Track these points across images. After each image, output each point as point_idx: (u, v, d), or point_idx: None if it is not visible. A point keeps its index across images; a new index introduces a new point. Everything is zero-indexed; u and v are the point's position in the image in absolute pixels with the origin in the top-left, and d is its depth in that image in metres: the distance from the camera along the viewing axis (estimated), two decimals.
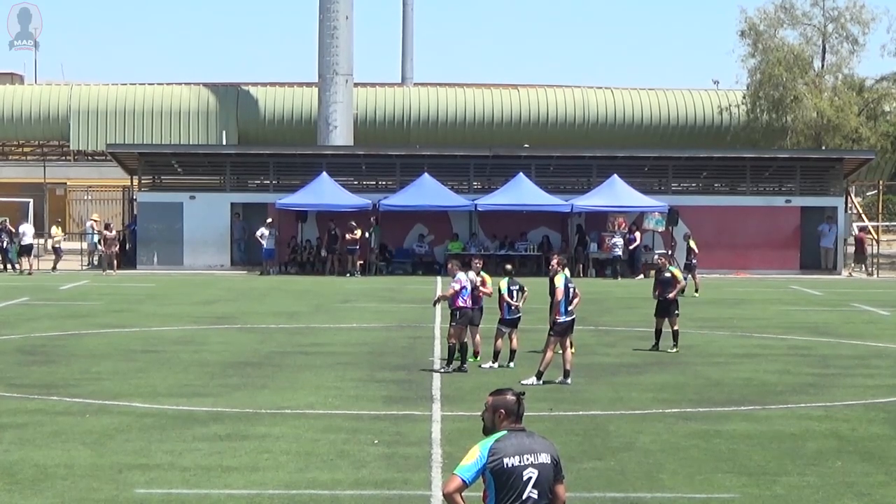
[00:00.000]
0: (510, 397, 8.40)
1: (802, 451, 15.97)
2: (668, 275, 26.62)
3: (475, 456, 8.26)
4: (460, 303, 22.85)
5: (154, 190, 54.30)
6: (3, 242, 51.95)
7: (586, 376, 22.29)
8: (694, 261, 42.79)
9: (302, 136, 67.48)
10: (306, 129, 67.84)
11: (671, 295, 26.19)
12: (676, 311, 26.28)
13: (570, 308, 21.62)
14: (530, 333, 25.60)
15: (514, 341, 23.51)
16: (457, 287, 22.89)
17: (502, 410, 8.36)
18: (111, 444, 16.09)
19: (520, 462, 8.19)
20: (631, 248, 50.83)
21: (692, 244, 43.33)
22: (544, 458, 8.25)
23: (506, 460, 8.18)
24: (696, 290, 41.11)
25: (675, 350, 25.90)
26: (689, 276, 41.89)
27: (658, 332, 26.24)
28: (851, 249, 54.13)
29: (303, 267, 51.73)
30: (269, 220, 50.50)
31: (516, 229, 52.10)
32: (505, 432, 8.32)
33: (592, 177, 53.02)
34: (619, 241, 49.99)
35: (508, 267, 23.94)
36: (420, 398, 19.87)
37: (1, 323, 30.86)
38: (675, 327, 26.20)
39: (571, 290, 21.73)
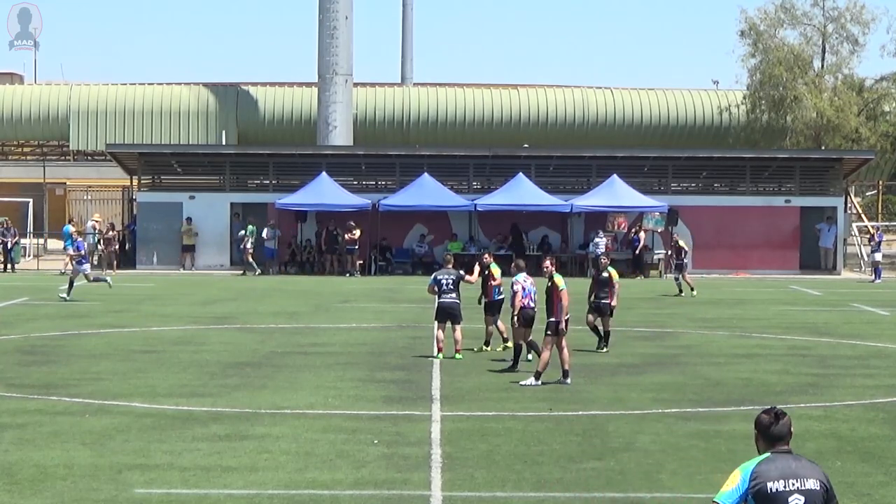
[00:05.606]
0: (764, 416, 7.87)
1: (802, 451, 15.80)
2: (605, 275, 26.16)
3: (736, 481, 7.72)
4: (522, 303, 22.94)
5: (154, 190, 54.35)
6: (7, 242, 52.11)
7: (586, 376, 22.30)
8: (686, 260, 42.45)
9: (301, 136, 67.49)
10: (306, 129, 67.83)
11: (607, 301, 25.84)
12: (609, 312, 25.95)
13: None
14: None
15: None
16: (517, 289, 22.97)
17: (756, 430, 7.88)
18: (111, 444, 16.08)
19: (785, 487, 7.64)
20: (636, 249, 50.83)
21: (682, 244, 43.09)
22: (812, 484, 7.69)
23: (769, 484, 7.63)
24: (693, 290, 40.90)
25: (604, 350, 25.69)
26: (680, 276, 41.75)
27: (595, 329, 26.01)
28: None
29: (302, 267, 51.78)
30: (272, 221, 50.67)
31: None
32: (769, 454, 7.78)
33: (592, 177, 53.05)
34: (601, 240, 49.81)
35: (522, 263, 24.01)
36: (419, 398, 19.87)
37: (1, 323, 30.86)
38: (608, 328, 25.99)
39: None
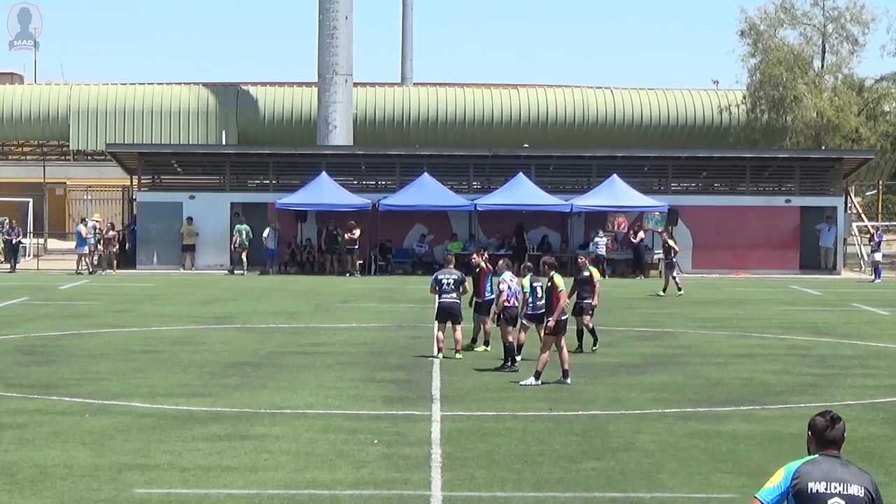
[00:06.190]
0: (819, 419, 7.85)
1: (802, 452, 15.79)
2: (585, 274, 26.05)
3: (779, 479, 7.76)
4: (507, 302, 23.56)
5: (154, 190, 54.34)
6: (11, 240, 52.27)
7: (586, 376, 22.31)
8: (674, 259, 42.34)
9: (301, 136, 67.45)
10: (306, 129, 67.79)
11: (589, 300, 25.73)
12: (590, 311, 25.81)
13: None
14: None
15: (523, 335, 23.76)
16: (503, 287, 23.57)
17: (809, 432, 7.88)
18: (111, 444, 16.08)
19: (826, 489, 7.61)
20: (638, 245, 50.84)
21: (671, 243, 42.99)
22: (855, 490, 7.61)
23: (810, 484, 7.64)
24: (665, 289, 40.67)
25: (593, 349, 25.62)
26: (670, 274, 41.62)
27: (580, 333, 25.94)
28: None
29: (302, 267, 51.77)
30: (275, 223, 50.69)
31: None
32: (817, 456, 7.79)
33: (592, 177, 53.03)
34: (601, 240, 49.86)
35: (529, 265, 24.03)
36: (419, 398, 19.88)
37: (1, 323, 30.86)
38: (591, 326, 25.86)
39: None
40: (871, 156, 57.18)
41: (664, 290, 40.66)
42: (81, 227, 51.02)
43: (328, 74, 60.95)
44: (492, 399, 19.86)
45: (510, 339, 23.27)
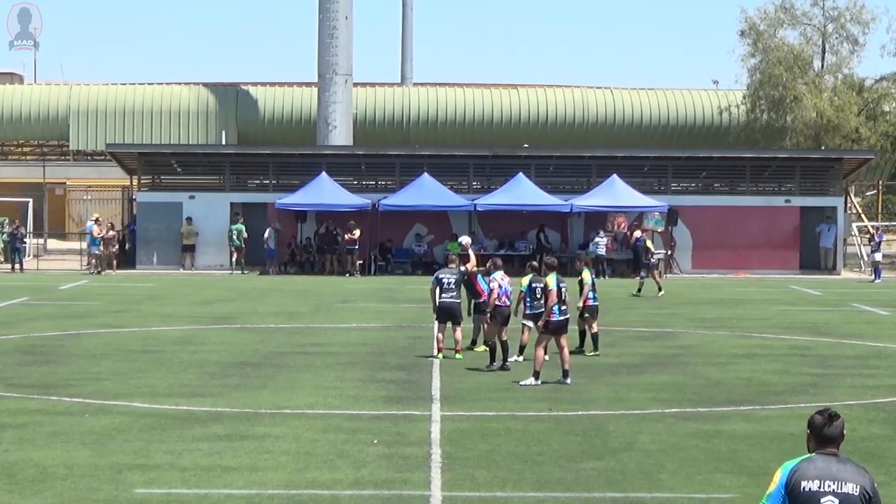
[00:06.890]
0: (818, 417, 7.85)
1: (802, 452, 15.80)
2: (580, 277, 26.03)
3: (776, 479, 7.75)
4: (498, 301, 23.83)
5: (153, 190, 54.34)
6: (16, 243, 52.27)
7: (586, 376, 22.31)
8: (652, 259, 42.46)
9: (301, 136, 67.47)
10: (306, 129, 67.81)
11: (580, 303, 25.76)
12: (587, 314, 25.67)
13: (563, 308, 21.67)
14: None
15: (526, 335, 23.79)
16: (494, 286, 23.91)
17: (808, 430, 7.88)
18: (111, 444, 16.08)
19: (819, 488, 7.61)
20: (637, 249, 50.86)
21: (649, 244, 43.12)
22: (850, 489, 7.59)
23: (804, 483, 7.63)
24: (661, 290, 40.74)
25: (586, 352, 25.53)
26: (648, 275, 41.66)
27: (582, 333, 25.92)
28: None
29: (302, 267, 51.77)
30: (277, 224, 50.70)
31: (516, 229, 52.14)
32: (813, 455, 7.80)
33: (592, 177, 53.03)
34: (601, 240, 49.94)
35: (534, 264, 24.01)
36: (419, 398, 19.88)
37: (1, 323, 30.86)
38: (594, 330, 25.76)
39: (564, 290, 21.83)
40: (871, 156, 57.19)
41: (661, 290, 40.69)
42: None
43: (328, 74, 60.96)
44: (492, 399, 19.86)
45: (486, 331, 23.50)
